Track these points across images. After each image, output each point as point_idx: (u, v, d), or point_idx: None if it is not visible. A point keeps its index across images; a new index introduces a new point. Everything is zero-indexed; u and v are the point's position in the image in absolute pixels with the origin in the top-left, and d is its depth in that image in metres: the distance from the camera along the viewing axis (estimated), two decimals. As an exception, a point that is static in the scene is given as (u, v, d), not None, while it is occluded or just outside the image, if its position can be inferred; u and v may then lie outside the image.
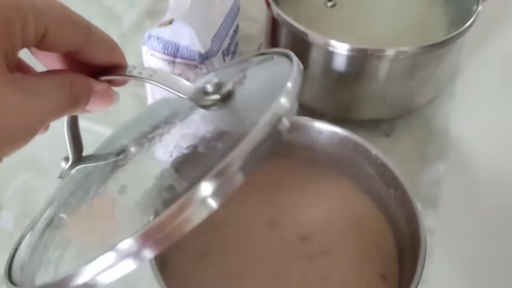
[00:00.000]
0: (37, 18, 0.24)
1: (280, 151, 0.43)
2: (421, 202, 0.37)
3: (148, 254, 0.21)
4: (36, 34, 0.24)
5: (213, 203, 0.21)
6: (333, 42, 0.44)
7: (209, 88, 0.27)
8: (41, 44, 0.25)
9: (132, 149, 0.31)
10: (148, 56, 0.39)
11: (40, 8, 0.24)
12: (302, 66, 0.28)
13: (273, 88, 0.26)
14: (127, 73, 0.28)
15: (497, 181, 0.50)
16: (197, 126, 0.29)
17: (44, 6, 0.24)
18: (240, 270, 0.37)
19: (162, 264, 0.36)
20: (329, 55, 0.45)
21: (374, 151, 0.39)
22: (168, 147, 0.29)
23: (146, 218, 0.25)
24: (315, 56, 0.47)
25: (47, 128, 0.30)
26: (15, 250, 0.31)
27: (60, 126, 0.51)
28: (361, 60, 0.45)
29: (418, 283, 0.33)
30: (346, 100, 0.49)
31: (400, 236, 0.38)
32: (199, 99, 0.27)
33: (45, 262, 0.28)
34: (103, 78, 0.28)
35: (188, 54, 0.38)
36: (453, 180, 0.50)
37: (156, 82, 0.28)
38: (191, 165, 0.27)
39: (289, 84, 0.25)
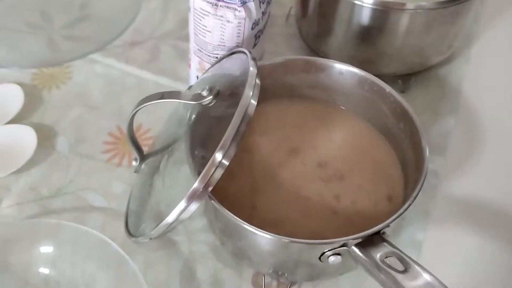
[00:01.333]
0: None
1: (304, 93, 0.48)
2: (430, 149, 0.41)
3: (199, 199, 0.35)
4: None
5: (225, 162, 0.35)
6: (358, -5, 0.49)
7: (205, 93, 0.39)
8: None
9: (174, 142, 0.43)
10: (194, -2, 0.45)
11: None
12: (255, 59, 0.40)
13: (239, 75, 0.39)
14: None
15: (502, 138, 0.54)
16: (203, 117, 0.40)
17: None
18: (264, 185, 0.43)
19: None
20: (354, 8, 0.50)
21: (388, 89, 0.44)
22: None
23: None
24: (342, 10, 0.52)
25: None
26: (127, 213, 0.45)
27: (105, 70, 0.58)
28: (384, 13, 0.50)
29: (415, 197, 0.38)
30: (366, 54, 0.54)
31: (406, 165, 0.43)
32: (200, 101, 0.39)
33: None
34: None
35: (230, -4, 0.44)
36: (462, 132, 0.54)
37: (170, 99, 0.40)
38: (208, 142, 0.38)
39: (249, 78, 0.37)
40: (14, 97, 0.54)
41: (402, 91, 0.57)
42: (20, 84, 0.56)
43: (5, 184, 0.48)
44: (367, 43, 0.54)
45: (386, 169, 0.44)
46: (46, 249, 0.42)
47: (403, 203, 0.42)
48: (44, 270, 0.42)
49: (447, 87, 0.58)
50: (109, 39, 0.59)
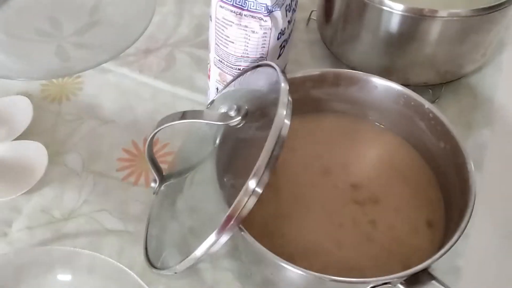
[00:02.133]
0: None
1: (335, 108, 0.45)
2: (472, 161, 0.38)
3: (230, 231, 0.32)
4: None
5: (259, 190, 0.32)
6: (388, 2, 0.46)
7: (232, 113, 0.36)
8: None
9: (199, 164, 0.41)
10: (217, 7, 0.41)
11: None
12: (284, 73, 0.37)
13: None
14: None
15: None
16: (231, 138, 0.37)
17: None
18: (293, 209, 0.40)
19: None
20: (383, 15, 0.47)
21: (427, 105, 0.41)
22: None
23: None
24: (370, 17, 0.48)
25: None
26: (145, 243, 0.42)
27: (118, 80, 0.55)
28: (415, 21, 0.46)
29: (465, 228, 0.35)
30: (395, 63, 0.51)
31: (446, 187, 0.40)
32: (228, 122, 0.36)
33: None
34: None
35: (255, 6, 0.40)
36: (498, 145, 0.51)
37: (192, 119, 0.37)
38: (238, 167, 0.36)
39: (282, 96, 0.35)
40: (23, 110, 0.51)
41: (432, 102, 0.53)
42: (29, 96, 0.53)
43: (15, 205, 0.45)
44: (396, 51, 0.50)
45: (424, 191, 0.41)
46: (63, 277, 0.40)
47: (445, 229, 0.39)
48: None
49: (480, 96, 0.55)
50: (122, 46, 0.56)
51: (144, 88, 0.55)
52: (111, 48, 0.56)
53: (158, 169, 0.42)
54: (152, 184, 0.43)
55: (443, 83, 0.54)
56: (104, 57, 0.54)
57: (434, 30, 0.48)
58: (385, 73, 0.51)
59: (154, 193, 0.43)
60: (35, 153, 0.48)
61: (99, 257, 0.39)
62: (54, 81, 0.55)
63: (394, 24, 0.48)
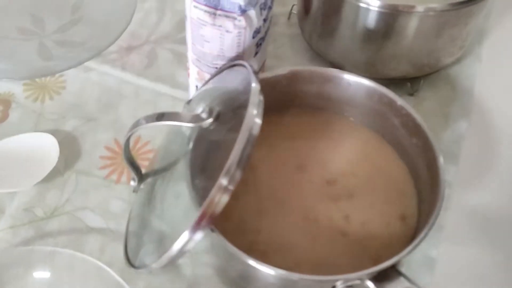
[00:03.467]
0: None
1: (310, 104, 0.46)
2: (442, 157, 0.39)
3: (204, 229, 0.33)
4: None
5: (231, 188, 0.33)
6: (364, -2, 0.46)
7: (204, 115, 0.36)
8: None
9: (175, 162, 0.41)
10: (191, 8, 0.42)
11: None
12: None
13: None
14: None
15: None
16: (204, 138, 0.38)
17: None
18: (269, 206, 0.40)
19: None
20: (360, 11, 0.47)
21: (399, 101, 0.41)
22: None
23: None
24: (347, 13, 0.49)
25: None
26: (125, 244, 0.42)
27: (101, 78, 0.55)
28: (391, 16, 0.47)
29: (433, 223, 0.35)
30: (374, 57, 0.51)
31: (420, 182, 0.41)
32: (200, 123, 0.36)
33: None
34: None
35: (229, 6, 0.41)
36: (475, 138, 0.52)
37: (166, 121, 0.36)
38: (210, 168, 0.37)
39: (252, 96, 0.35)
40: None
41: (410, 94, 0.54)
42: (12, 95, 0.53)
43: (-1, 205, 0.46)
44: (374, 46, 0.51)
45: (398, 186, 0.42)
46: (42, 275, 0.41)
47: (417, 223, 0.40)
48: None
49: (458, 88, 0.56)
50: (104, 44, 0.56)
51: (127, 85, 0.55)
52: (93, 45, 0.56)
53: (136, 168, 0.43)
54: (132, 183, 0.44)
55: (422, 76, 0.54)
56: (86, 55, 0.55)
57: (411, 25, 0.48)
58: (364, 68, 0.52)
59: (133, 191, 0.44)
60: (47, 144, 0.49)
61: (78, 256, 0.40)
62: (37, 80, 0.55)
63: (371, 20, 0.48)
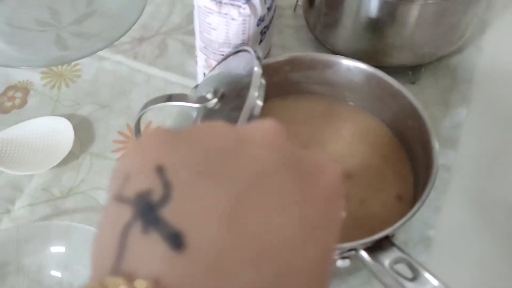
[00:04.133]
0: None
1: (311, 89, 0.48)
2: (441, 142, 0.41)
3: None
4: None
5: None
6: (366, -12, 0.48)
7: (209, 95, 0.39)
8: None
9: None
10: (197, -4, 0.45)
11: None
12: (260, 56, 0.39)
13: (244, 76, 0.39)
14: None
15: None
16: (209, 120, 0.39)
17: None
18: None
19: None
20: (363, 1, 0.49)
21: (397, 85, 0.43)
22: None
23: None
24: (350, 2, 0.51)
25: None
26: None
27: (114, 67, 0.58)
28: (393, 4, 0.49)
29: (425, 199, 0.37)
30: (375, 45, 0.53)
31: (415, 162, 0.42)
32: (205, 104, 0.39)
33: None
34: None
35: (233, -6, 0.43)
36: (474, 124, 0.53)
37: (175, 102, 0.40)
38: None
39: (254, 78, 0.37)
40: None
41: (412, 82, 0.56)
42: (30, 83, 0.56)
43: (18, 185, 0.49)
44: (376, 35, 0.53)
45: (395, 167, 0.44)
46: (58, 249, 0.43)
47: (413, 202, 0.42)
48: (57, 272, 0.43)
49: (458, 77, 0.57)
50: (117, 35, 0.59)
51: (138, 74, 0.58)
52: (107, 36, 0.59)
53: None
54: None
55: (423, 64, 0.56)
56: (100, 45, 0.58)
57: (412, 13, 0.50)
58: (366, 56, 0.54)
59: None
60: (62, 128, 0.51)
61: (93, 230, 0.42)
62: (54, 68, 0.58)
63: (373, 9, 0.50)
